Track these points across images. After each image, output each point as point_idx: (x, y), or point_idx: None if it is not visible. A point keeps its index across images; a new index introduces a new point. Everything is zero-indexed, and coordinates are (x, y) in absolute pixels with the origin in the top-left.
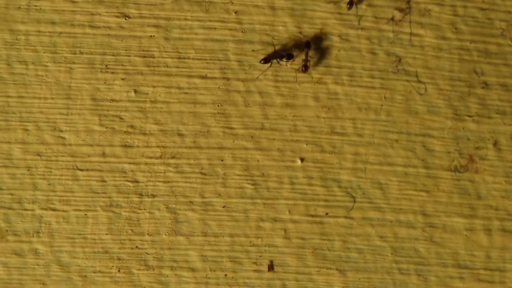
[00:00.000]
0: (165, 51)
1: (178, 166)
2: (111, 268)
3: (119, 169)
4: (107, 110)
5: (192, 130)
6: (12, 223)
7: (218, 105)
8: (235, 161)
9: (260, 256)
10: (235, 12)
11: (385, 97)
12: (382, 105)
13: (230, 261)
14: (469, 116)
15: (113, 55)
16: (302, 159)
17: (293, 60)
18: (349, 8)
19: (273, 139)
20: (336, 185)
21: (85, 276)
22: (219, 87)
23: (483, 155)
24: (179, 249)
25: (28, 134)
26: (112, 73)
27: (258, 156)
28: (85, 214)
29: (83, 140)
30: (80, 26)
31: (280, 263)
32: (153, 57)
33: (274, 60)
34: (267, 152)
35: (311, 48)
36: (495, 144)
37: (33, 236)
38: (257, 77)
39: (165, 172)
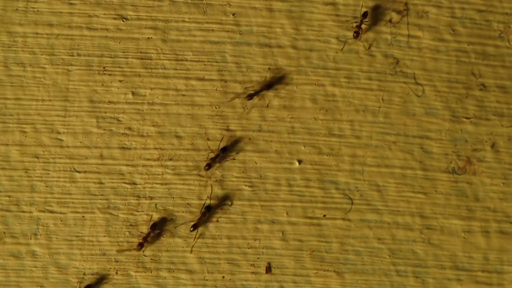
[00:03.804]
0: (163, 53)
1: (175, 168)
2: (108, 270)
3: (117, 171)
4: (105, 112)
5: (190, 132)
6: (9, 225)
7: (215, 107)
8: (233, 163)
9: (258, 258)
10: (233, 14)
11: (382, 99)
12: (379, 107)
13: (228, 263)
14: (467, 118)
15: (110, 57)
16: (299, 161)
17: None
18: (356, 37)
19: (271, 141)
20: (333, 187)
21: (83, 278)
22: (216, 89)
23: (481, 157)
24: (176, 251)
25: (25, 136)
26: (109, 75)
27: (256, 158)
28: (83, 216)
29: (80, 142)
30: (78, 28)
31: (277, 265)
32: (150, 59)
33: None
34: (265, 154)
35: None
36: (492, 146)
37: (30, 238)
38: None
39: (162, 174)
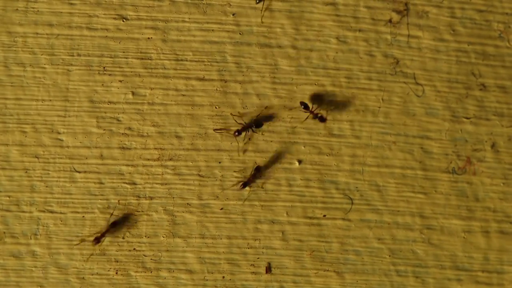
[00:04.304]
0: (163, 53)
1: (175, 168)
2: (108, 270)
3: (117, 171)
4: (105, 112)
5: (190, 132)
6: (9, 225)
7: (215, 107)
8: (233, 163)
9: (258, 258)
10: (233, 14)
11: (382, 99)
12: (379, 107)
13: (228, 263)
14: (467, 118)
15: (110, 57)
16: (300, 161)
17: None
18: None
19: (271, 141)
20: (333, 187)
21: (83, 278)
22: (216, 89)
23: (481, 157)
24: (176, 251)
25: (25, 136)
26: (109, 75)
27: (256, 158)
28: (83, 216)
29: (80, 142)
30: (78, 28)
31: (277, 265)
32: (150, 59)
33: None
34: (265, 154)
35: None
36: (492, 146)
37: (30, 238)
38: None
39: (162, 174)
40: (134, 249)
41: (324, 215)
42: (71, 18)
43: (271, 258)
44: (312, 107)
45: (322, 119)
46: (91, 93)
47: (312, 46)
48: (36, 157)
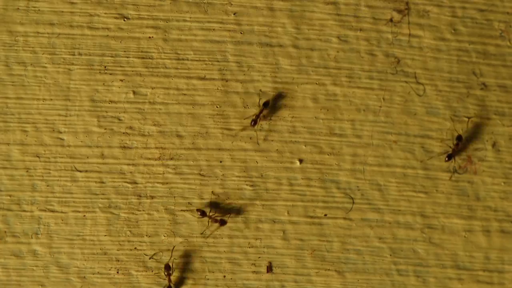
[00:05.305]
0: (164, 52)
1: (176, 168)
2: (110, 270)
3: (118, 170)
4: (106, 111)
5: (191, 131)
6: (10, 224)
7: (216, 106)
8: (234, 162)
9: (259, 257)
10: (234, 13)
11: (384, 98)
12: (381, 106)
13: (229, 262)
14: (468, 117)
15: (111, 56)
16: (301, 160)
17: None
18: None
19: (272, 141)
20: (334, 186)
21: (84, 277)
22: (217, 88)
23: (482, 157)
24: (177, 251)
25: (26, 136)
26: (110, 74)
27: (257, 157)
28: (84, 216)
29: (81, 141)
30: (79, 27)
31: (279, 264)
32: (151, 58)
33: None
34: (266, 154)
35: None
36: (494, 145)
37: (31, 238)
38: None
39: (163, 173)
40: (135, 248)
41: (325, 214)
42: (72, 17)
43: (272, 258)
44: (210, 213)
45: (223, 222)
46: (92, 92)
47: (313, 45)
48: (37, 156)
